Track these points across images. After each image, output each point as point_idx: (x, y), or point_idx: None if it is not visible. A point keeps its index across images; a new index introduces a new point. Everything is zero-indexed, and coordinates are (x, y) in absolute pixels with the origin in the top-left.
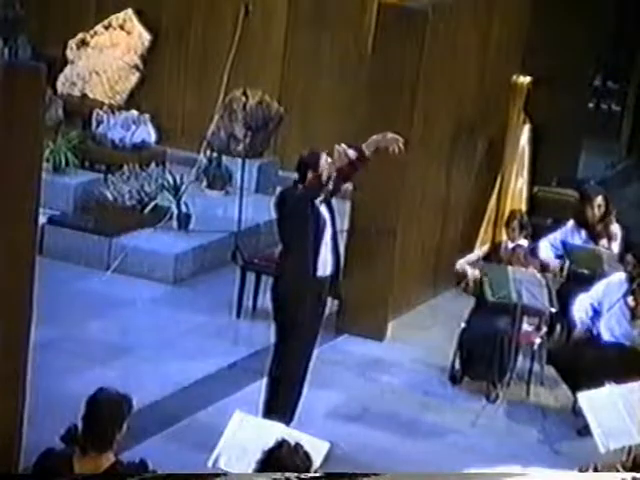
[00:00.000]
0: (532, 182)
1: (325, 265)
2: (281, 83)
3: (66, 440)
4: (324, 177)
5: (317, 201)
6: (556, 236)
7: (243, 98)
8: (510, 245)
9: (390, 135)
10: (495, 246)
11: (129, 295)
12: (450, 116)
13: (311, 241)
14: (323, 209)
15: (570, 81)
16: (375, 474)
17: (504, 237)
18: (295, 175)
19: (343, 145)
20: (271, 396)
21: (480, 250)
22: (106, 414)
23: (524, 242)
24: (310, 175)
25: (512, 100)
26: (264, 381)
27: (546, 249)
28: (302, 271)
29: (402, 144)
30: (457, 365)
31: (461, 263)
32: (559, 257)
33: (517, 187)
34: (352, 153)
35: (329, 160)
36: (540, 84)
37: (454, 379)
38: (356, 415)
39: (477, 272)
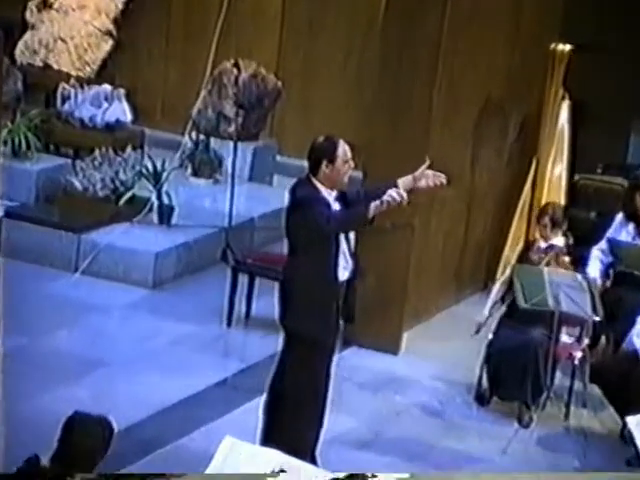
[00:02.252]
0: (572, 169)
1: (344, 269)
2: (279, 53)
3: (25, 473)
4: (342, 173)
5: (331, 198)
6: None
7: (234, 70)
8: (543, 245)
9: (430, 172)
10: (528, 245)
11: (102, 301)
12: (476, 91)
13: (331, 243)
14: (337, 207)
15: (618, 50)
16: (374, 475)
17: (537, 235)
18: (297, 162)
19: (395, 193)
20: (270, 419)
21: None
22: (85, 444)
23: (559, 241)
24: (325, 166)
25: (549, 72)
26: (261, 400)
27: (595, 262)
28: (321, 275)
29: (444, 180)
30: (484, 383)
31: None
32: (608, 267)
33: (555, 175)
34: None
35: (347, 149)
36: (583, 53)
37: (481, 399)
38: (366, 441)
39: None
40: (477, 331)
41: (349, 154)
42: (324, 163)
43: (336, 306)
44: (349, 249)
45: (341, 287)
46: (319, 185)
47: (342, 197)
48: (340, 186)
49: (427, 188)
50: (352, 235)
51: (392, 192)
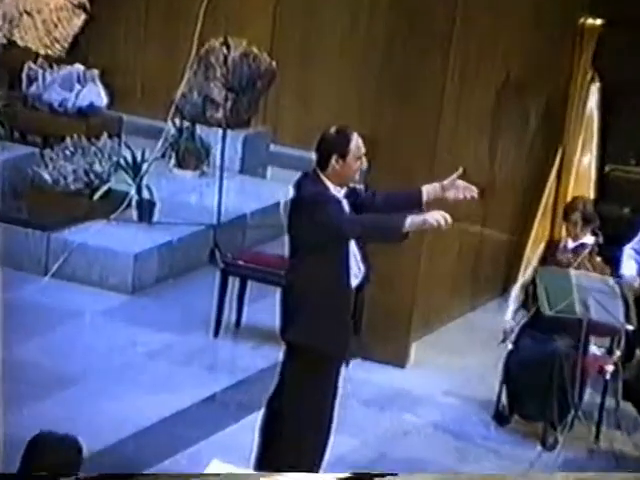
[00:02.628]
0: (603, 159)
1: (354, 275)
2: (273, 29)
3: None
4: (354, 169)
5: (340, 195)
6: None
7: (223, 49)
8: (571, 244)
9: (461, 183)
10: (553, 245)
11: (75, 307)
12: (495, 72)
13: (341, 244)
14: (346, 204)
15: None
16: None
17: (564, 233)
18: (293, 152)
19: (442, 217)
20: (267, 441)
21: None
22: (48, 466)
23: (590, 240)
24: (335, 161)
25: (577, 50)
26: (254, 419)
27: (629, 261)
28: (332, 281)
29: (475, 194)
30: (504, 399)
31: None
32: None
33: (583, 166)
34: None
35: (360, 143)
36: (615, 29)
37: (500, 418)
38: (370, 463)
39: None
40: (503, 340)
41: (362, 149)
42: (334, 158)
43: (348, 317)
44: (361, 252)
45: (353, 293)
46: (327, 181)
47: (351, 194)
48: (349, 183)
49: (455, 200)
50: None
51: (438, 216)
